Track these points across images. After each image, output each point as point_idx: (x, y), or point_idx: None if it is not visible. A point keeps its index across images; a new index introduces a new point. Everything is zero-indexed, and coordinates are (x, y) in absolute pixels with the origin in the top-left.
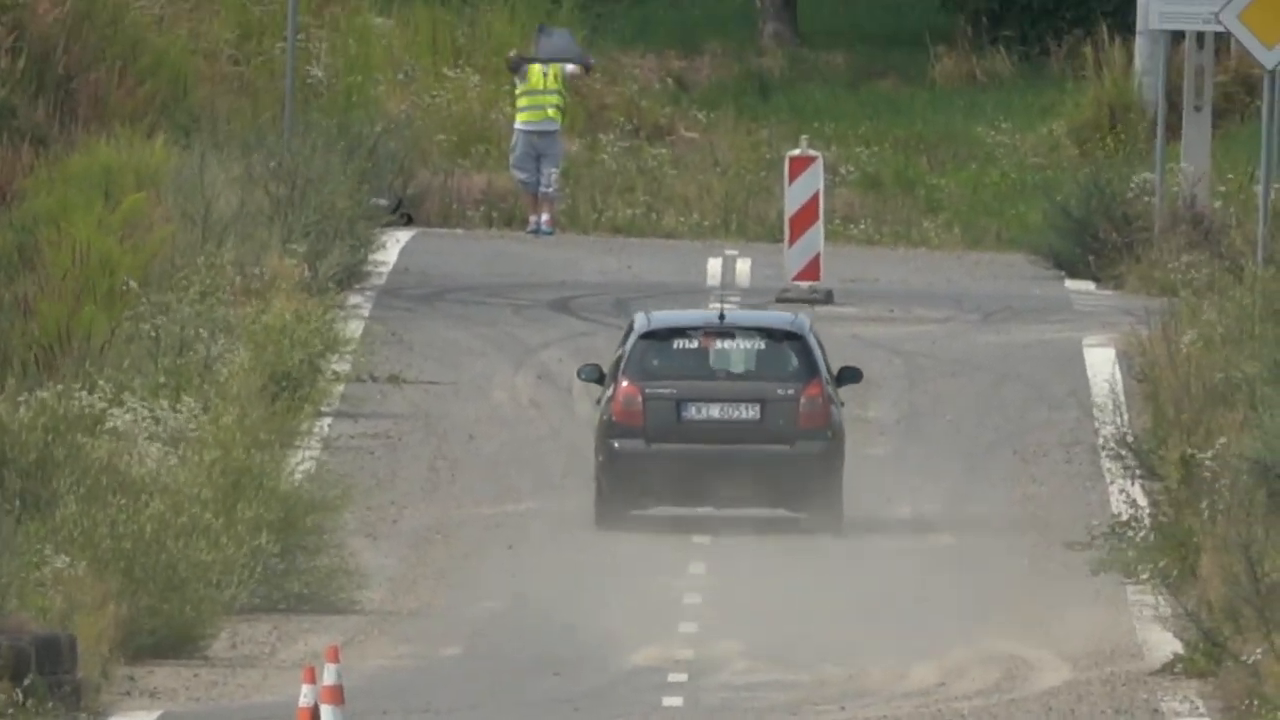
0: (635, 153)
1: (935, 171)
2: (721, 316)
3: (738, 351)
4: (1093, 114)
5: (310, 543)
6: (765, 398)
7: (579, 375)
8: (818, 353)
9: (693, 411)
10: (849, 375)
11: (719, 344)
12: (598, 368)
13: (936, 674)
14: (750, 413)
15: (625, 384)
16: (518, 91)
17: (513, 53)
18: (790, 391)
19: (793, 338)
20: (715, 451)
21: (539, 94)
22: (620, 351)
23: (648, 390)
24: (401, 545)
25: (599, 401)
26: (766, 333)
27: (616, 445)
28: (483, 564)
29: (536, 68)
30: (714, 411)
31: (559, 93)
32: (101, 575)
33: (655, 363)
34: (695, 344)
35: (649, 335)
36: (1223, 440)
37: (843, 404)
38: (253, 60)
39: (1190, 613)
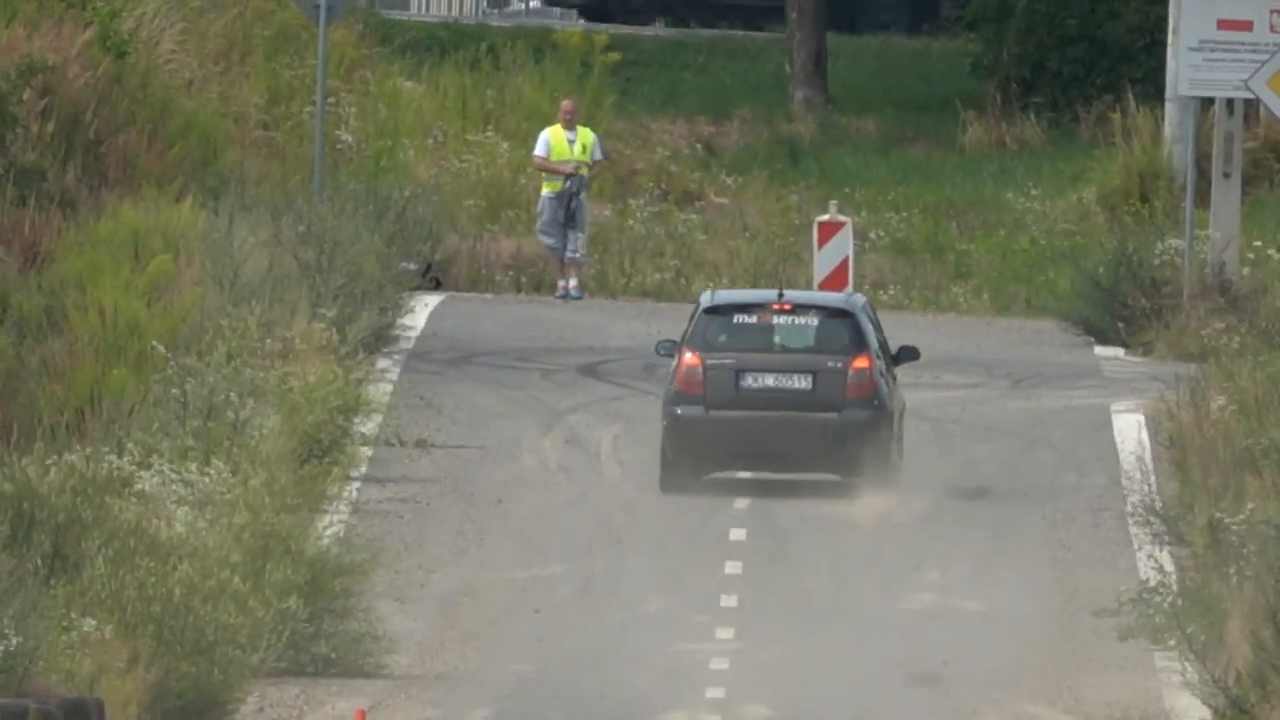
0: (664, 217)
1: (965, 237)
2: (780, 294)
3: (793, 326)
4: (1122, 181)
5: (338, 606)
6: (816, 369)
7: (657, 350)
8: (869, 329)
9: (750, 381)
10: (907, 354)
11: (776, 319)
12: (674, 343)
13: None
14: (802, 382)
15: (688, 355)
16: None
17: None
18: (839, 364)
19: (844, 315)
20: (769, 418)
21: (565, 163)
22: (687, 327)
23: (709, 361)
24: (429, 609)
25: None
26: (820, 309)
27: (679, 412)
28: (510, 628)
29: (563, 138)
30: (769, 381)
31: (585, 164)
32: (129, 638)
33: (717, 336)
34: (754, 319)
35: (712, 310)
36: (1251, 506)
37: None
38: (282, 124)
39: (1218, 679)
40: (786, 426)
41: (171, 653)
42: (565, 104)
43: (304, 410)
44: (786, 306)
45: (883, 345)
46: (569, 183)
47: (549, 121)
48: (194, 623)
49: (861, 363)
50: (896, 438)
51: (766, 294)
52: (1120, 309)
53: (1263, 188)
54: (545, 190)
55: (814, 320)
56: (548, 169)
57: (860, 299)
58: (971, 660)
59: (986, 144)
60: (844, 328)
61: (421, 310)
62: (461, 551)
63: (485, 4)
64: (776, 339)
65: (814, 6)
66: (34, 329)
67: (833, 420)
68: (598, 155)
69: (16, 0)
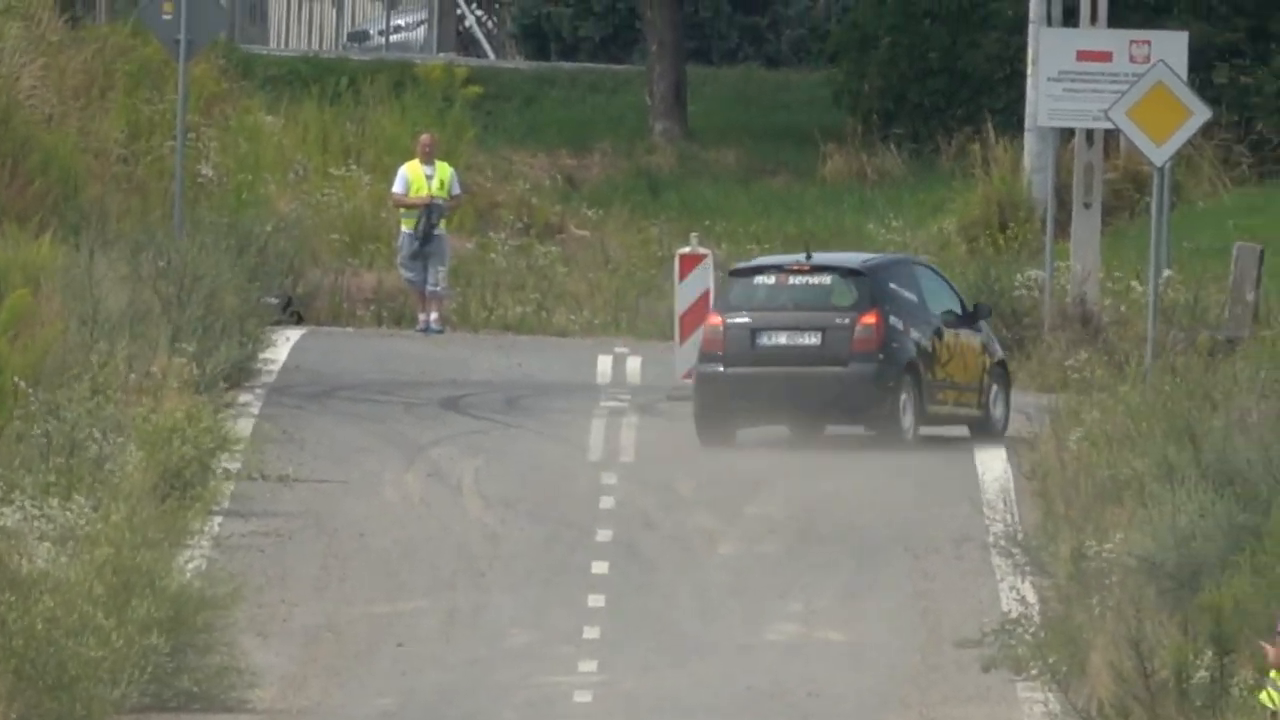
0: (526, 250)
1: None
2: (808, 256)
3: (808, 287)
4: (982, 211)
5: (201, 641)
6: (825, 325)
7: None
8: (885, 288)
9: (765, 339)
10: (982, 310)
11: (793, 280)
12: None
13: None
14: (812, 339)
15: (713, 317)
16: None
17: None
18: (846, 320)
19: (856, 274)
20: (780, 373)
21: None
22: None
23: (728, 320)
24: (292, 643)
25: None
26: (834, 270)
27: (702, 370)
28: (374, 662)
29: (420, 174)
30: (782, 339)
31: (439, 197)
32: None
33: (738, 297)
34: (773, 280)
35: (735, 273)
36: (1115, 539)
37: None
38: (142, 159)
39: (1080, 710)
40: (797, 381)
41: (33, 687)
42: (424, 138)
43: (166, 445)
44: (805, 268)
45: (962, 303)
46: (421, 218)
47: (410, 155)
48: (56, 657)
49: (869, 319)
50: (987, 392)
51: (791, 257)
52: None
53: (1123, 218)
54: (404, 226)
55: (827, 280)
56: (404, 205)
57: (908, 259)
58: (836, 691)
59: (847, 175)
60: (855, 285)
61: (283, 344)
62: (324, 586)
63: (345, 38)
64: (792, 299)
65: (673, 39)
66: None
67: (839, 374)
68: (455, 190)
69: None
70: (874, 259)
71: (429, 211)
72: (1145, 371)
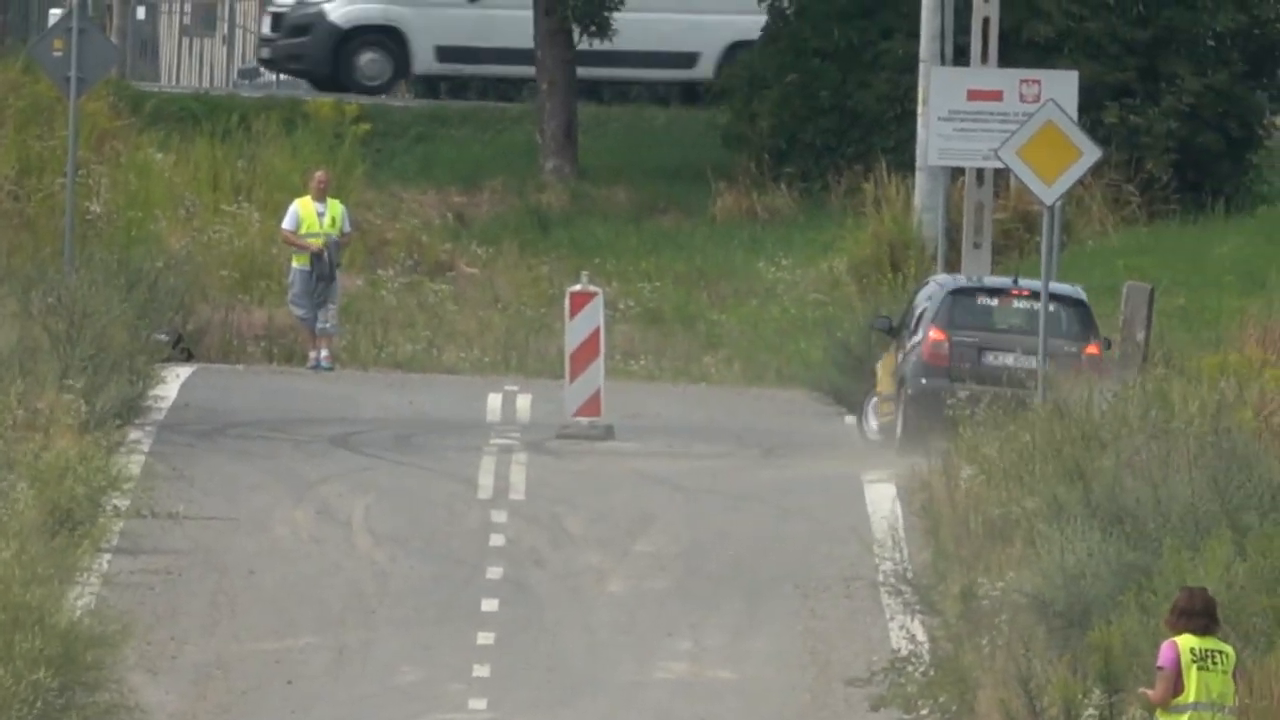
0: (416, 288)
1: (716, 307)
2: (1015, 281)
3: (1032, 311)
4: (873, 250)
5: (90, 678)
6: (1053, 353)
7: (873, 325)
8: (1094, 318)
9: (991, 359)
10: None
11: (1016, 303)
12: (889, 319)
13: None
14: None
15: (934, 332)
16: (298, 233)
17: None
18: (1074, 349)
19: (1078, 304)
20: (1008, 394)
21: (314, 237)
22: (913, 307)
23: (955, 338)
24: (182, 681)
25: (895, 350)
26: (1056, 298)
27: (924, 382)
28: (263, 699)
29: (312, 210)
30: (1009, 360)
31: (332, 236)
32: None
33: (961, 315)
34: (995, 302)
35: (957, 292)
36: (1005, 575)
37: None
38: (33, 195)
39: None
40: (1023, 405)
41: None
42: (318, 175)
43: (56, 482)
44: (1025, 292)
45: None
46: (317, 263)
47: (300, 192)
48: None
49: (1092, 349)
50: None
51: (1004, 280)
52: (871, 378)
53: (1013, 258)
54: (295, 263)
55: (1051, 307)
56: (293, 244)
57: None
58: None
59: (738, 213)
60: (1076, 316)
61: (173, 381)
62: (214, 623)
63: (236, 75)
64: (1017, 321)
65: (564, 77)
66: None
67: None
68: (347, 228)
69: None
70: (1079, 288)
71: (329, 249)
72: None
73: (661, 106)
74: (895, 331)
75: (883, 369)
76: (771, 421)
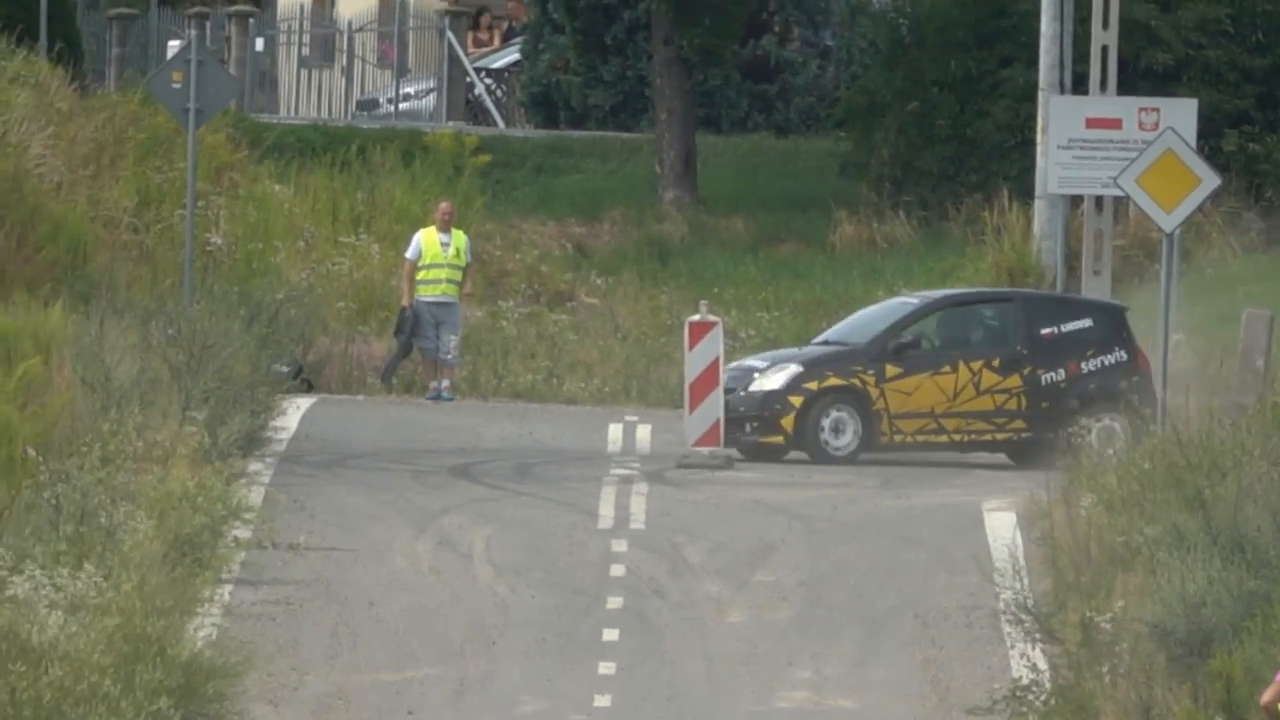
0: (536, 318)
1: None
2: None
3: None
4: (992, 278)
5: (211, 710)
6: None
7: None
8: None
9: None
10: None
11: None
12: None
13: None
14: None
15: None
16: (420, 264)
17: None
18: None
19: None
20: None
21: (437, 268)
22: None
23: None
24: (303, 712)
25: None
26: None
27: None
28: None
29: (436, 241)
30: None
31: (459, 268)
32: None
33: None
34: None
35: None
36: (1122, 603)
37: None
38: (152, 227)
39: None
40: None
41: None
42: (443, 206)
43: (177, 513)
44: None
45: None
46: (402, 317)
47: (420, 224)
48: None
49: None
50: None
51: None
52: None
53: (1132, 284)
54: (422, 293)
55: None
56: (404, 282)
57: None
58: None
59: (857, 242)
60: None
61: (294, 413)
62: (335, 654)
63: (354, 106)
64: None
65: (682, 107)
66: None
67: None
68: (469, 258)
69: None
70: None
71: (415, 310)
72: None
73: (780, 136)
74: None
75: None
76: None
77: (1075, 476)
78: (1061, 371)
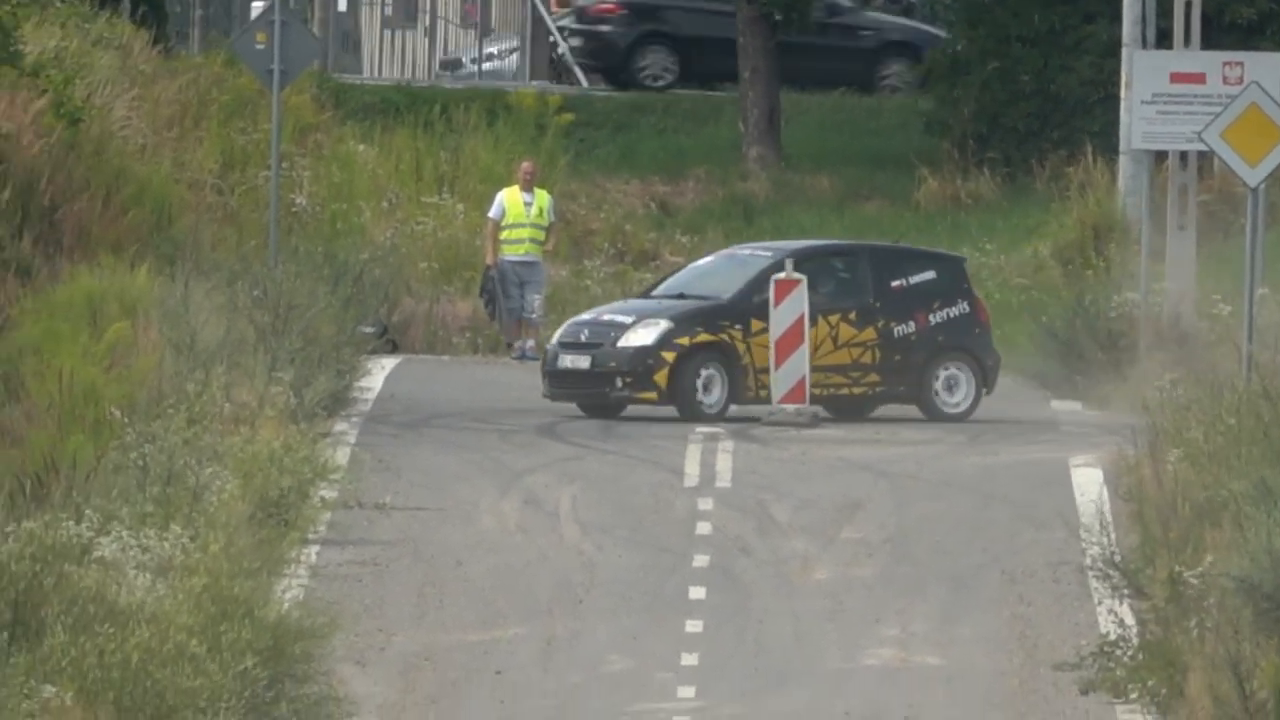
0: (621, 277)
1: None
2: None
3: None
4: (1077, 234)
5: (298, 670)
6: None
7: None
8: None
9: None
10: None
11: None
12: None
13: None
14: None
15: None
16: (504, 223)
17: None
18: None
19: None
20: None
21: (520, 227)
22: None
23: None
24: (390, 672)
25: None
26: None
27: None
28: (472, 690)
29: (519, 200)
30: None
31: (542, 227)
32: (89, 704)
33: None
34: None
35: None
36: (1210, 559)
37: None
38: (236, 189)
39: None
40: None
41: (132, 718)
42: (525, 165)
43: (263, 474)
44: None
45: None
46: (486, 277)
47: (504, 183)
48: (154, 688)
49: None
50: None
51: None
52: (1077, 362)
53: (1217, 239)
54: (506, 252)
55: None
56: (488, 241)
57: None
58: (933, 716)
59: (941, 200)
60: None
61: (379, 373)
62: (422, 614)
63: (437, 66)
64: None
65: (766, 66)
66: None
67: None
68: (552, 217)
69: None
70: None
71: (498, 269)
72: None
73: (864, 94)
74: None
75: None
76: (977, 406)
77: (1161, 432)
78: (911, 324)
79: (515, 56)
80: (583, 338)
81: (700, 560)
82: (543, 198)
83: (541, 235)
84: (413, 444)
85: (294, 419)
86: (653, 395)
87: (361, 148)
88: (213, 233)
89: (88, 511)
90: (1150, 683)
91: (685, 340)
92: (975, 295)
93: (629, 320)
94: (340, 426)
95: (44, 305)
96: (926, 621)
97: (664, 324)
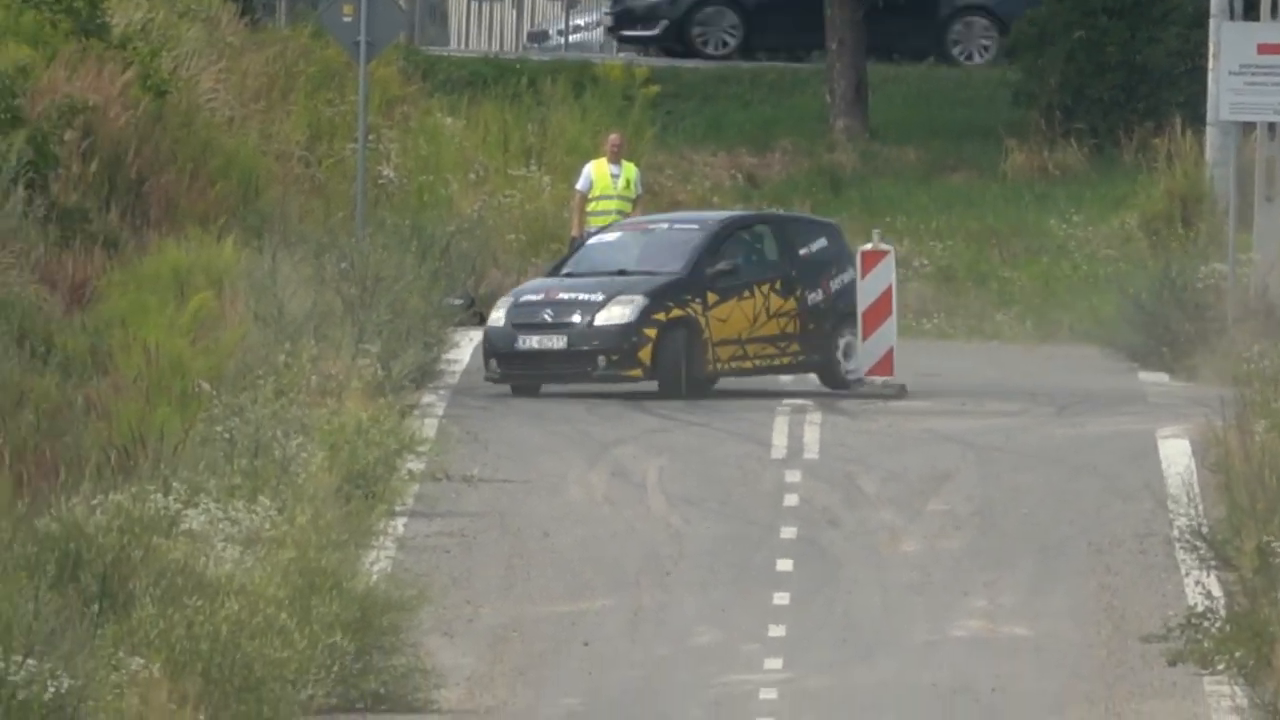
0: None
1: (1007, 264)
2: None
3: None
4: (1164, 206)
5: (386, 642)
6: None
7: None
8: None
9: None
10: None
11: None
12: None
13: None
14: None
15: None
16: (590, 195)
17: None
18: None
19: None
20: None
21: (607, 199)
22: None
23: None
24: (478, 643)
25: None
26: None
27: None
28: (559, 661)
29: (606, 173)
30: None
31: (629, 199)
32: (178, 677)
33: None
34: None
35: None
36: None
37: None
38: (324, 161)
39: (1267, 704)
40: None
41: (220, 690)
42: (613, 137)
43: (350, 447)
44: None
45: None
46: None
47: (590, 155)
48: (242, 660)
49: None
50: None
51: None
52: (1164, 334)
53: None
54: (592, 224)
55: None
56: (575, 214)
57: None
58: (1020, 687)
59: (1028, 171)
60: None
61: (466, 345)
62: (509, 585)
63: (525, 38)
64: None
65: (853, 37)
66: (79, 369)
67: None
68: (639, 190)
69: (57, 41)
70: None
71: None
72: None
73: (950, 65)
74: None
75: None
76: (1064, 378)
77: (1249, 402)
78: (820, 292)
79: (602, 28)
80: (546, 318)
81: (788, 532)
82: (630, 170)
83: (628, 207)
84: (500, 416)
85: (381, 391)
86: (638, 372)
87: (449, 120)
88: (300, 205)
89: (175, 484)
90: (1238, 654)
91: (662, 316)
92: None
93: (599, 298)
94: (428, 399)
95: (131, 278)
96: (1014, 593)
97: (640, 300)
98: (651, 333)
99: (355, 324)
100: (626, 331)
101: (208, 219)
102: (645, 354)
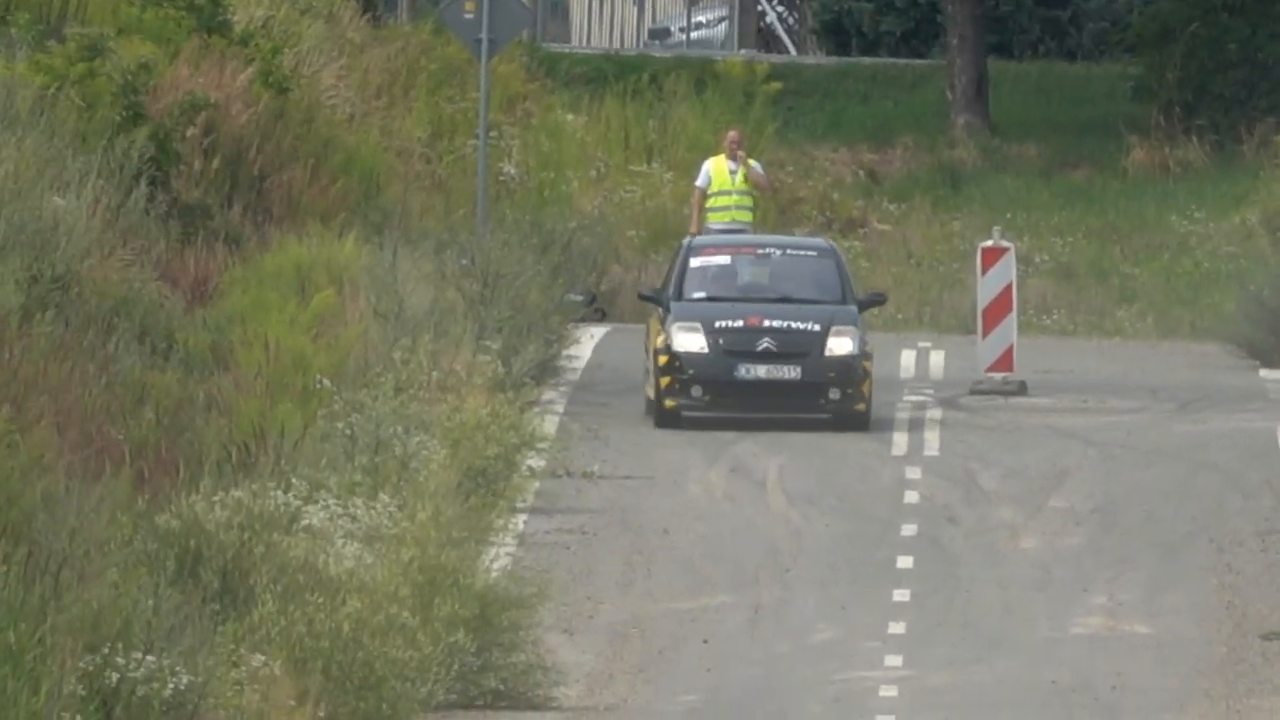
0: None
1: (1128, 261)
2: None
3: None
4: None
5: (506, 639)
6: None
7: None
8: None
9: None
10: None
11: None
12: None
13: None
14: None
15: None
16: (709, 192)
17: None
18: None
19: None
20: None
21: (726, 194)
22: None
23: None
24: (598, 640)
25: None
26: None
27: None
28: (679, 658)
29: (724, 169)
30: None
31: (748, 194)
32: (298, 674)
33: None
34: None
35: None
36: None
37: None
38: (445, 158)
39: None
40: None
41: (340, 688)
42: (731, 134)
43: (470, 443)
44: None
45: None
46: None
47: (711, 152)
48: (362, 658)
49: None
50: None
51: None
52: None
53: None
54: (711, 220)
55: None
56: (695, 210)
57: None
58: (1140, 684)
59: (1149, 167)
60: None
61: (587, 341)
62: (629, 582)
63: (646, 35)
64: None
65: (974, 33)
66: (200, 365)
67: None
68: (762, 176)
69: (179, 38)
70: None
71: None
72: None
73: (1071, 61)
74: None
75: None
76: (1185, 375)
77: None
78: None
79: (724, 25)
80: (770, 347)
81: (908, 529)
82: (745, 167)
83: (748, 202)
84: (621, 413)
85: (501, 388)
86: (862, 406)
87: (570, 116)
88: (421, 201)
89: (295, 480)
90: None
91: (869, 348)
92: None
93: (815, 328)
94: (549, 395)
95: (252, 274)
96: (1134, 590)
97: (854, 330)
98: (869, 365)
99: (476, 320)
100: (852, 364)
101: (329, 216)
102: (866, 387)
